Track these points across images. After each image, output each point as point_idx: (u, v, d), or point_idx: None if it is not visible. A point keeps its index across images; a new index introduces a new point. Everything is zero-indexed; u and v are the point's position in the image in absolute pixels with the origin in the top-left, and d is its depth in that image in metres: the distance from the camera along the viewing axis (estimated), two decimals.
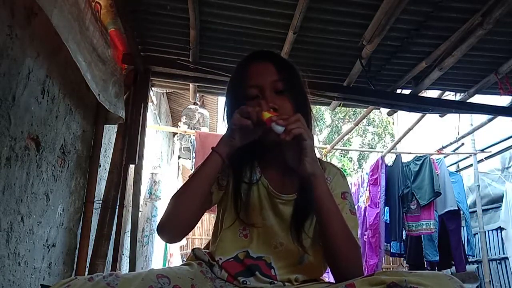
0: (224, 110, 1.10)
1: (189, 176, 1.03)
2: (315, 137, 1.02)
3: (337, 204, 0.99)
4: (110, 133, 2.77)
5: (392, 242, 4.94)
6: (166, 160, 5.64)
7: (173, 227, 0.98)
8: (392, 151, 5.76)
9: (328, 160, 5.67)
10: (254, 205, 1.03)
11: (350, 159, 13.83)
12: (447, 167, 4.98)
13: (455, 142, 5.58)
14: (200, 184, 0.97)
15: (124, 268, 3.20)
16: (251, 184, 1.05)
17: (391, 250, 5.19)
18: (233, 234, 1.03)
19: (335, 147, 5.84)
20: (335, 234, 0.90)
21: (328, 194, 0.93)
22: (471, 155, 5.63)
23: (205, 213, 1.10)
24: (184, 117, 5.08)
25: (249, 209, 1.03)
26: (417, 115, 3.92)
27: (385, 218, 4.59)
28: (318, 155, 1.04)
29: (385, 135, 13.72)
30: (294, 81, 1.06)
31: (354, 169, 13.28)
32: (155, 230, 4.53)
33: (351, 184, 5.18)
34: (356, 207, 4.72)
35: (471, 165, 5.72)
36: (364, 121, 12.21)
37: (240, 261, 1.00)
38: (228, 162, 1.03)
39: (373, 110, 4.15)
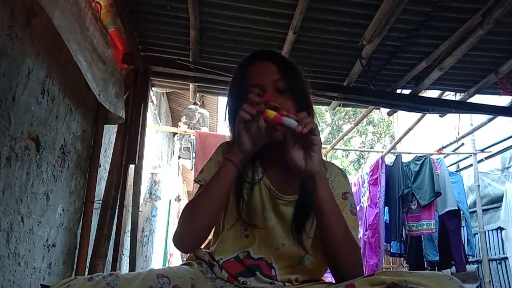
0: (225, 111, 1.10)
1: (205, 185, 1.01)
2: None
3: (338, 205, 0.99)
4: (110, 133, 2.77)
5: (392, 242, 4.94)
6: (166, 160, 5.64)
7: (191, 241, 0.99)
8: (392, 151, 5.76)
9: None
10: (256, 205, 1.03)
11: (350, 162, 13.83)
12: (447, 167, 4.97)
13: (455, 142, 5.58)
14: (216, 196, 0.96)
15: (124, 268, 3.20)
16: (253, 184, 1.04)
17: (391, 250, 5.19)
18: (234, 234, 1.03)
19: (335, 147, 5.84)
20: (336, 235, 0.90)
21: (330, 194, 0.92)
22: (471, 155, 5.63)
23: None
24: (184, 117, 5.08)
25: (251, 209, 1.03)
26: (417, 115, 3.92)
27: (385, 218, 4.59)
28: None
29: (385, 135, 13.72)
30: (296, 80, 1.05)
31: (352, 170, 13.28)
32: (154, 230, 4.54)
33: (351, 184, 5.18)
34: (358, 207, 4.76)
35: (471, 165, 5.72)
36: (364, 121, 12.21)
37: (241, 261, 1.00)
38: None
39: (374, 111, 4.14)
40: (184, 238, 0.98)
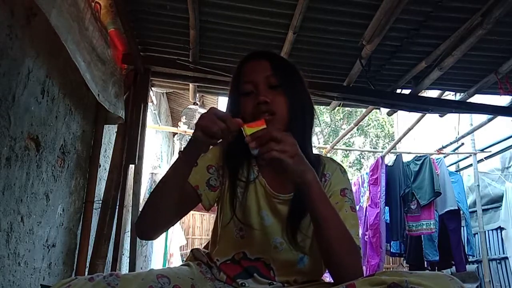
0: (226, 110, 1.10)
1: (162, 177, 1.01)
2: (314, 137, 1.00)
3: (336, 202, 0.98)
4: (110, 133, 2.76)
5: (392, 242, 4.94)
6: (166, 160, 5.64)
7: (146, 227, 0.98)
8: (392, 151, 5.76)
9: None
10: (251, 205, 1.02)
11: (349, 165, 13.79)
12: (447, 167, 4.97)
13: (455, 142, 5.58)
14: (168, 189, 0.95)
15: (124, 268, 3.20)
16: (248, 183, 1.04)
17: (391, 250, 5.18)
18: (230, 235, 1.02)
19: (335, 147, 5.84)
20: (332, 240, 0.86)
21: (323, 198, 0.88)
22: (471, 155, 5.63)
23: (205, 213, 1.09)
24: (184, 117, 5.08)
25: (246, 209, 1.01)
26: (417, 115, 3.92)
27: (385, 218, 4.58)
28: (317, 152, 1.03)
29: (384, 138, 13.71)
30: (290, 77, 1.05)
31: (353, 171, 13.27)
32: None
33: (351, 183, 5.16)
34: (358, 207, 4.75)
35: (471, 165, 5.72)
36: (364, 122, 12.20)
37: (237, 262, 0.99)
38: (224, 161, 1.05)
39: (372, 111, 4.14)
40: (139, 225, 0.98)
